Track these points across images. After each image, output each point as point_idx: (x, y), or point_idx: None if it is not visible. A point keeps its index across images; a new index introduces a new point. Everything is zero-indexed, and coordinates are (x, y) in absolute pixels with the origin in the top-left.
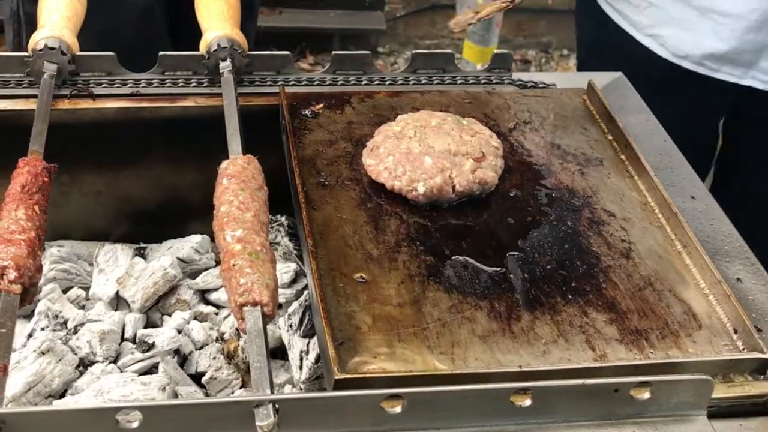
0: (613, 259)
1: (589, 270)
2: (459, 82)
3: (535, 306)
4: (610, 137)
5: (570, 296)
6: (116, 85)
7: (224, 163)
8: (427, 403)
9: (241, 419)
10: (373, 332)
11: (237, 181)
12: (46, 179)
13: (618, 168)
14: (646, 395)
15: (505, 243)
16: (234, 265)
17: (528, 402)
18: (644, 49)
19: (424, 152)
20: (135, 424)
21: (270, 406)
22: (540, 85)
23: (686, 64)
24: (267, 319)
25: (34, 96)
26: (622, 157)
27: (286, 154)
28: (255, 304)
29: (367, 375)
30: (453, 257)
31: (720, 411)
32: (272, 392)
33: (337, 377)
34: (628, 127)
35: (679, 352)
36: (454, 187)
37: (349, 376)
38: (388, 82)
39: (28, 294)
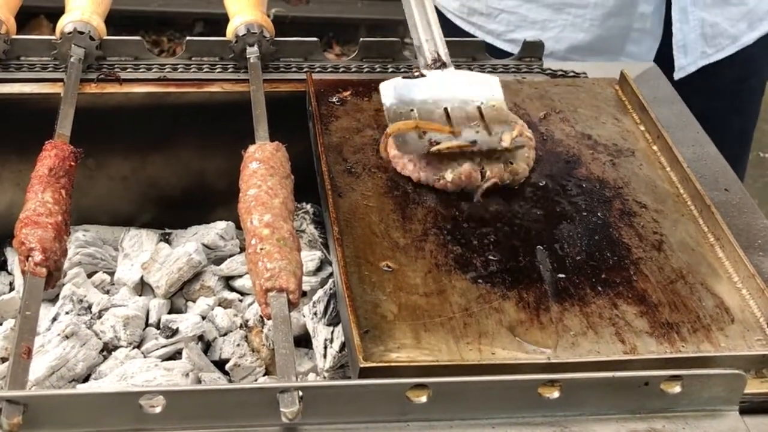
0: (644, 251)
1: (619, 262)
2: (488, 70)
3: (564, 297)
4: (642, 128)
5: (600, 288)
6: (143, 70)
7: (251, 148)
8: (453, 393)
9: (265, 406)
10: (399, 321)
11: (266, 167)
12: (72, 164)
13: (650, 159)
14: (677, 389)
15: (534, 233)
16: (261, 249)
17: (556, 394)
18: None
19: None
20: (158, 409)
21: (295, 393)
22: (571, 74)
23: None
24: (291, 306)
25: (60, 80)
26: (654, 148)
27: (313, 141)
28: (281, 290)
29: (393, 364)
30: (481, 247)
31: (752, 407)
32: (296, 380)
33: (362, 365)
34: (661, 117)
35: (710, 347)
36: (483, 175)
37: (374, 364)
38: (415, 70)
39: (53, 278)
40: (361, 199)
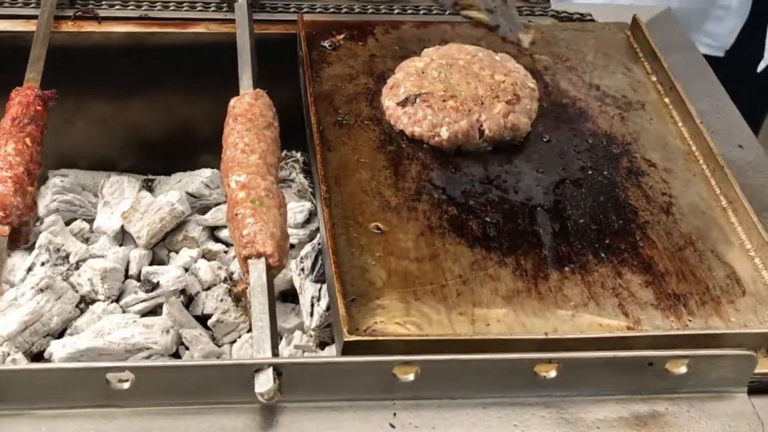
0: (652, 214)
1: (625, 226)
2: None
3: (564, 264)
4: (654, 78)
5: (603, 255)
6: (127, 7)
7: (232, 101)
8: (442, 371)
9: (240, 381)
10: (388, 288)
11: (243, 121)
12: (39, 108)
13: (661, 113)
14: (683, 369)
15: (535, 193)
16: (237, 214)
17: (553, 373)
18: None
19: (448, 95)
20: (126, 385)
21: (270, 370)
22: (586, 17)
23: None
24: (274, 270)
25: (35, 17)
26: (666, 100)
27: (302, 90)
28: (259, 255)
29: (379, 338)
30: (477, 208)
31: (761, 387)
32: (275, 352)
33: (347, 339)
34: (674, 66)
35: (720, 321)
36: (482, 132)
37: (359, 338)
38: (422, 12)
39: (21, 233)
40: (351, 154)
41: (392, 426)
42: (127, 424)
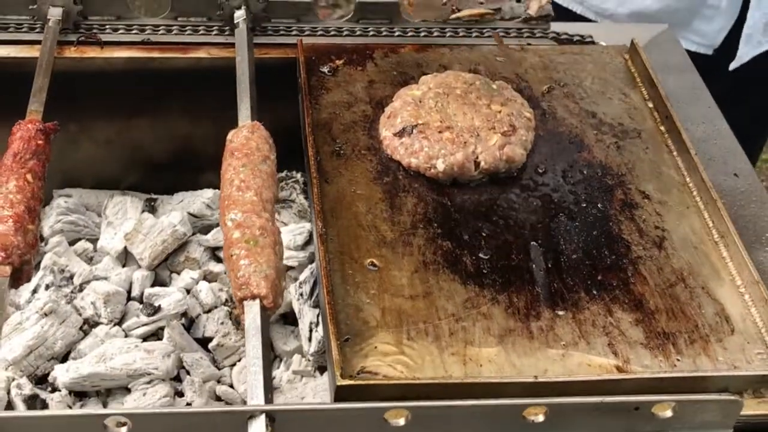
0: (645, 249)
1: (617, 261)
2: (501, 33)
3: (556, 302)
4: (651, 105)
5: (595, 291)
6: (129, 31)
7: (230, 134)
8: (433, 416)
9: (234, 427)
10: (382, 328)
11: (239, 156)
12: (41, 142)
13: (657, 141)
14: (669, 413)
15: (529, 227)
16: (232, 255)
17: (541, 418)
18: (561, 8)
19: (444, 126)
20: (123, 430)
21: (263, 417)
22: (586, 39)
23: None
24: (268, 311)
25: (39, 41)
26: (662, 128)
27: (301, 117)
28: (254, 297)
29: (372, 382)
30: (472, 242)
31: (747, 428)
32: (269, 398)
33: (339, 383)
34: (671, 90)
35: (707, 361)
36: (478, 164)
37: (352, 382)
38: (422, 34)
39: (23, 272)
40: (348, 185)
41: None
42: None
